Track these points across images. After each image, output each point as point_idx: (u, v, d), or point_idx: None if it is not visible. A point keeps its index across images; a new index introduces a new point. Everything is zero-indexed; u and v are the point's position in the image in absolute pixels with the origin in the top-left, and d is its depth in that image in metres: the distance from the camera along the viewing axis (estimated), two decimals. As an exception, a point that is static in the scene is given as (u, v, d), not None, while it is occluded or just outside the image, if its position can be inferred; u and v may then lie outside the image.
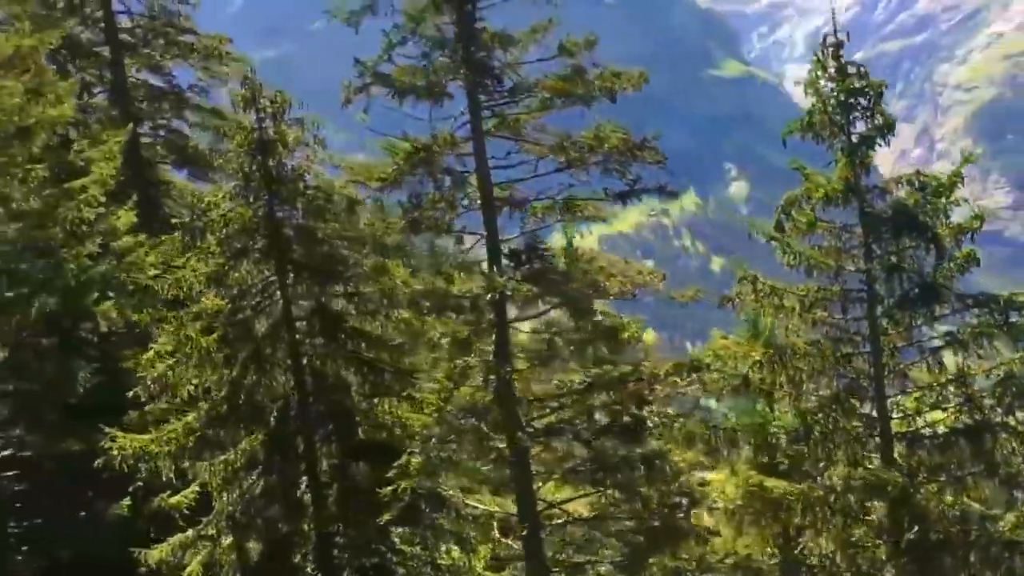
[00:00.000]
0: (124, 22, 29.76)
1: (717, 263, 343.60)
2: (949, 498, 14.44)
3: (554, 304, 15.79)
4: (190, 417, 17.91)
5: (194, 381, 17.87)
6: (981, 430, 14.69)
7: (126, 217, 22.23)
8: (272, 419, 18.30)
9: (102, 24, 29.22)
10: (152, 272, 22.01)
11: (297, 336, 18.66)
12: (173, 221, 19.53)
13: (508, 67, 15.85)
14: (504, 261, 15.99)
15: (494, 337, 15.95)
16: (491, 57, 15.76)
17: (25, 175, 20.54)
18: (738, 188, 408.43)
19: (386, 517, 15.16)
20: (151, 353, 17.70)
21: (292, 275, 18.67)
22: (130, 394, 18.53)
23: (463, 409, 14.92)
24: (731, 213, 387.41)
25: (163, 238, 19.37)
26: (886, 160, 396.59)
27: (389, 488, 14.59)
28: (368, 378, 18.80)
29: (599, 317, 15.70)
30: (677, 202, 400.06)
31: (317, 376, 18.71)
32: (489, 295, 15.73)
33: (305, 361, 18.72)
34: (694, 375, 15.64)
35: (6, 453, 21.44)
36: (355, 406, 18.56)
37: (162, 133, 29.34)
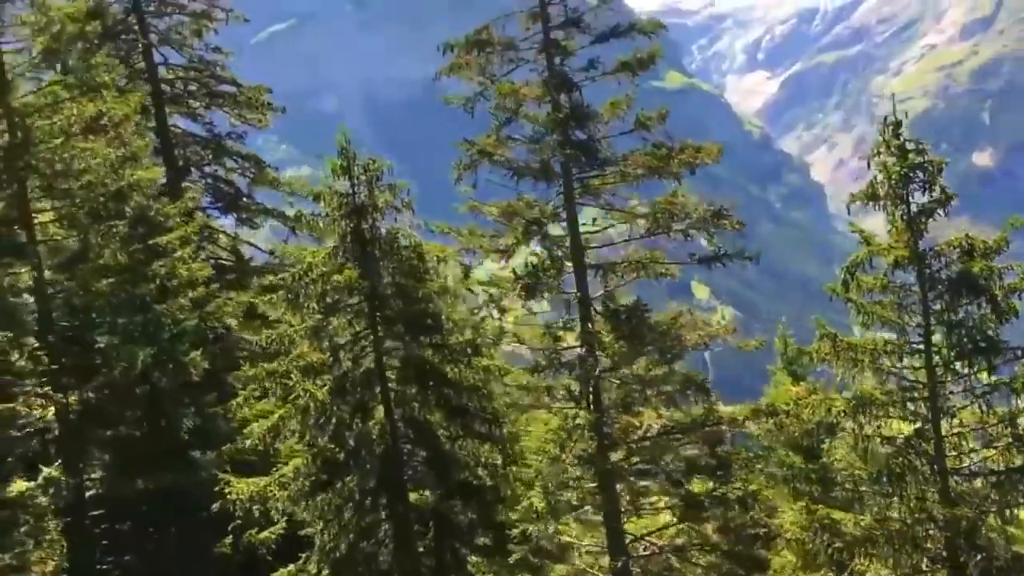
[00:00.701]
0: (164, 72, 31.01)
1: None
2: (1013, 530, 16.48)
3: (646, 355, 17.55)
4: (299, 461, 19.38)
5: (297, 428, 19.36)
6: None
7: (204, 270, 23.62)
8: (372, 462, 19.82)
9: (144, 75, 30.44)
10: (230, 321, 23.51)
11: (390, 385, 20.20)
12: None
13: (599, 142, 17.60)
14: (600, 317, 17.74)
15: (591, 387, 17.67)
16: (590, 136, 17.52)
17: (117, 233, 21.90)
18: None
19: (517, 556, 16.75)
20: (263, 404, 19.15)
21: (384, 329, 20.19)
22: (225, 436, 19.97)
23: (577, 457, 16.58)
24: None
25: (269, 296, 20.76)
26: (824, 168, 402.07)
27: (518, 531, 16.20)
28: (456, 422, 20.40)
29: (687, 369, 17.51)
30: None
31: (411, 422, 20.26)
32: (586, 348, 17.47)
33: (398, 408, 20.27)
34: (770, 420, 17.48)
35: (92, 492, 22.73)
36: (447, 449, 20.14)
37: (208, 180, 30.63)
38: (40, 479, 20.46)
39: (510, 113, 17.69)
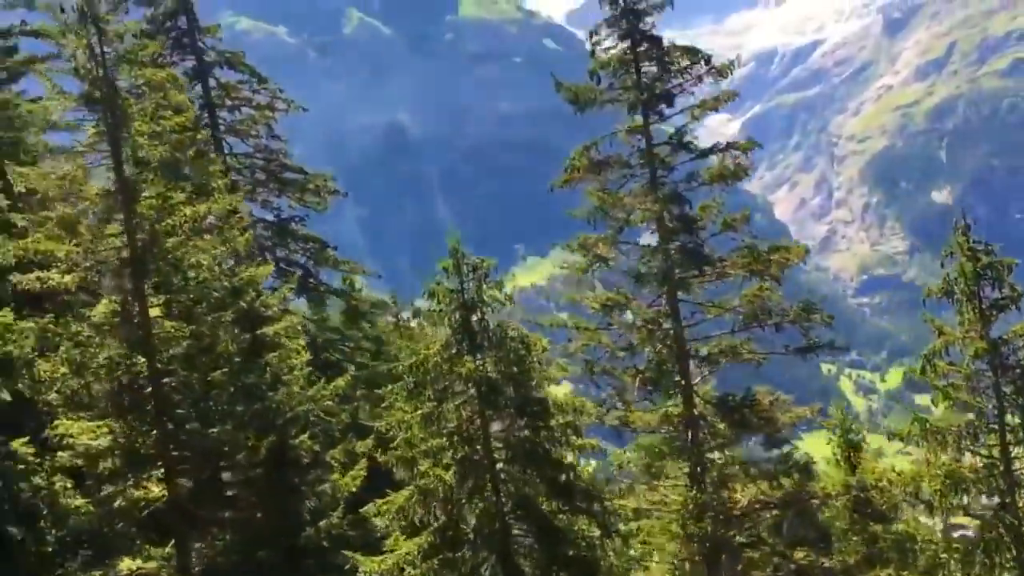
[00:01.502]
0: (233, 162, 32.80)
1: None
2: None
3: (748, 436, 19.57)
4: (422, 540, 21.09)
5: (421, 510, 21.09)
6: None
7: (303, 356, 25.35)
8: (488, 537, 21.55)
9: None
10: (327, 404, 25.29)
11: (498, 465, 21.98)
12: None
13: (703, 245, 19.72)
14: (706, 403, 19.75)
15: (697, 469, 19.63)
16: (696, 242, 19.64)
17: (226, 324, 23.61)
18: (647, 240, 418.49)
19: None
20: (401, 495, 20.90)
21: (493, 414, 21.98)
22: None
23: (692, 534, 18.47)
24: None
25: (388, 388, 22.49)
26: (787, 207, 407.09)
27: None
28: (560, 498, 22.19)
29: (789, 449, 19.51)
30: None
31: (519, 498, 22.03)
32: (691, 433, 19.45)
33: (506, 485, 22.04)
34: (862, 494, 19.48)
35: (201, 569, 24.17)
36: (553, 524, 21.92)
37: (278, 264, 32.33)
38: (153, 557, 22.04)
39: (622, 222, 19.75)
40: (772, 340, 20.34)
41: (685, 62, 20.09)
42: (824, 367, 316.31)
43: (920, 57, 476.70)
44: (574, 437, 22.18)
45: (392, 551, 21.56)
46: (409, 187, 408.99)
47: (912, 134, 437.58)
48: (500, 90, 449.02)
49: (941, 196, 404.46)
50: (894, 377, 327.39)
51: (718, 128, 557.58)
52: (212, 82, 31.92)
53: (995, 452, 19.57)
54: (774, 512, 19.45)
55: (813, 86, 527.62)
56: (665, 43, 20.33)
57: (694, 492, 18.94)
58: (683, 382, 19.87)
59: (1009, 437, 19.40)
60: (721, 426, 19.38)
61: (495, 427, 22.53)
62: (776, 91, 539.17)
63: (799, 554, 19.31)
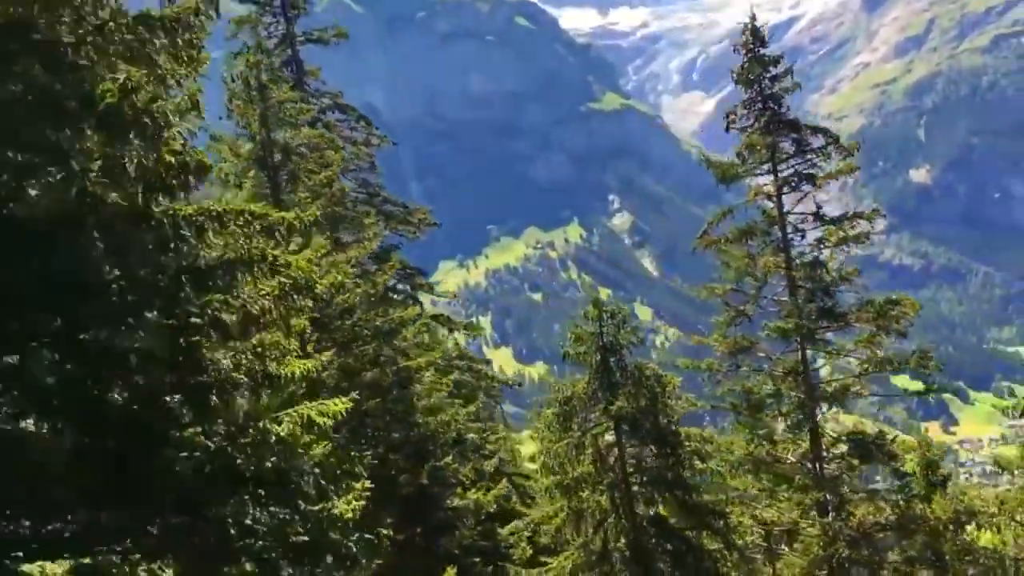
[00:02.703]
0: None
1: (604, 295, 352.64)
2: None
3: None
4: (574, 555, 24.42)
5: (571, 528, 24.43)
6: None
7: (447, 386, 28.62)
8: (624, 555, 24.92)
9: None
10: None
11: (633, 488, 25.32)
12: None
13: (836, 302, 23.13)
14: (836, 441, 23.14)
15: (827, 496, 23.04)
16: (831, 303, 23.03)
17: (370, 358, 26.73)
18: (621, 220, 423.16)
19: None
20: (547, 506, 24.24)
21: (628, 442, 25.32)
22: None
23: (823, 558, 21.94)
24: (615, 244, 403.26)
25: (537, 425, 25.77)
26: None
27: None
28: (691, 517, 25.59)
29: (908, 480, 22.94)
30: (562, 234, 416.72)
31: (653, 518, 25.41)
32: (820, 467, 22.87)
33: (645, 506, 25.40)
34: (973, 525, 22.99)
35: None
36: (692, 542, 25.31)
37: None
38: None
39: (762, 282, 23.08)
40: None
41: (818, 143, 23.39)
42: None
43: (899, 34, 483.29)
44: (699, 462, 25.53)
45: (546, 564, 24.90)
46: (382, 168, 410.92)
47: (890, 112, 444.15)
48: (472, 70, 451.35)
49: (919, 175, 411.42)
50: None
51: (691, 107, 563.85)
52: (318, 124, 34.76)
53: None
54: (889, 533, 22.88)
55: (789, 63, 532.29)
56: (800, 122, 23.64)
57: (829, 519, 22.36)
58: (812, 422, 23.21)
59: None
60: (852, 461, 22.75)
61: (631, 451, 25.90)
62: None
63: (922, 573, 22.77)
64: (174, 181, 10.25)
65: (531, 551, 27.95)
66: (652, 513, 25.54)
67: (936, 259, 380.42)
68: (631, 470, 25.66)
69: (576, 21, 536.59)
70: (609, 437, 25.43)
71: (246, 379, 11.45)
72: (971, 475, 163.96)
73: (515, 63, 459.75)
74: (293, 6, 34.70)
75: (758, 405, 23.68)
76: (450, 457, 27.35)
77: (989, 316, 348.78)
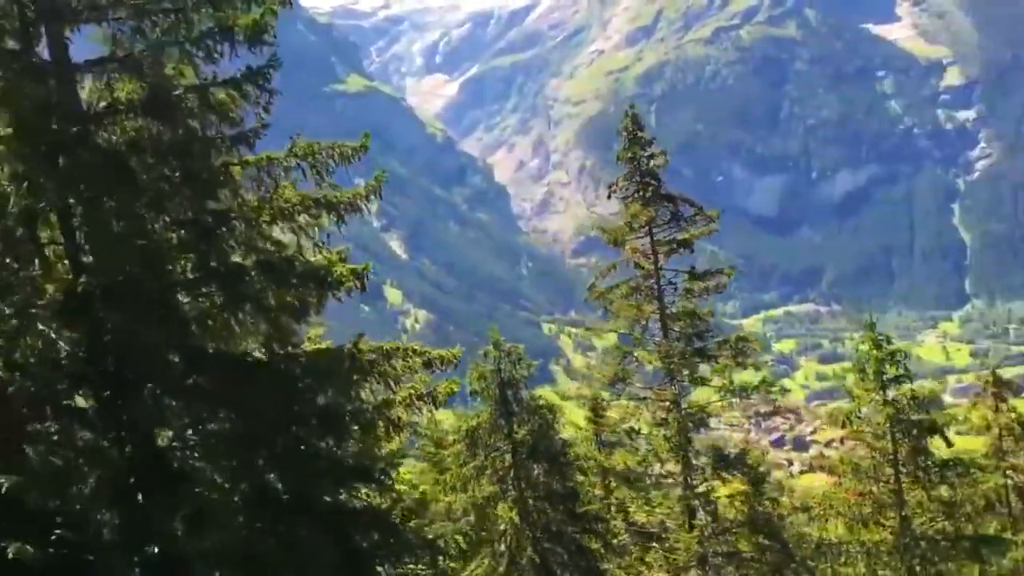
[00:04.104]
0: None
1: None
2: None
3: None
4: (484, 563, 28.59)
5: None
6: None
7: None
8: (533, 560, 29.34)
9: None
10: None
11: (530, 502, 29.74)
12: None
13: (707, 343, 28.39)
14: (702, 455, 28.49)
15: (693, 503, 28.35)
16: (707, 346, 28.23)
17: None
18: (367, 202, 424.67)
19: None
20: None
21: (525, 462, 29.69)
22: None
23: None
24: (363, 227, 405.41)
25: (446, 451, 29.63)
26: (506, 169, 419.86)
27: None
28: (584, 525, 30.28)
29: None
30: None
31: (548, 530, 29.94)
32: (687, 478, 28.20)
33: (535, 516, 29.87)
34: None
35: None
36: (580, 545, 29.98)
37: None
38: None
39: (644, 327, 28.02)
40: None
41: (691, 212, 28.40)
42: (546, 327, 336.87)
43: (630, 23, 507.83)
44: (581, 476, 30.30)
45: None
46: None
47: (624, 99, 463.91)
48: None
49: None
50: (609, 336, 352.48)
51: (435, 89, 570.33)
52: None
53: (892, 481, 29.40)
54: (744, 528, 28.37)
55: (529, 49, 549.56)
56: (675, 195, 28.61)
57: (694, 532, 27.65)
58: (684, 439, 28.40)
59: (901, 470, 29.26)
60: (714, 474, 28.09)
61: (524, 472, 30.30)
62: (493, 53, 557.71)
63: (773, 558, 28.36)
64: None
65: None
66: (548, 523, 30.05)
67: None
68: (525, 486, 30.06)
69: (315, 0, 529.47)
70: (508, 459, 29.71)
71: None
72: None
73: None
74: None
75: (632, 432, 28.68)
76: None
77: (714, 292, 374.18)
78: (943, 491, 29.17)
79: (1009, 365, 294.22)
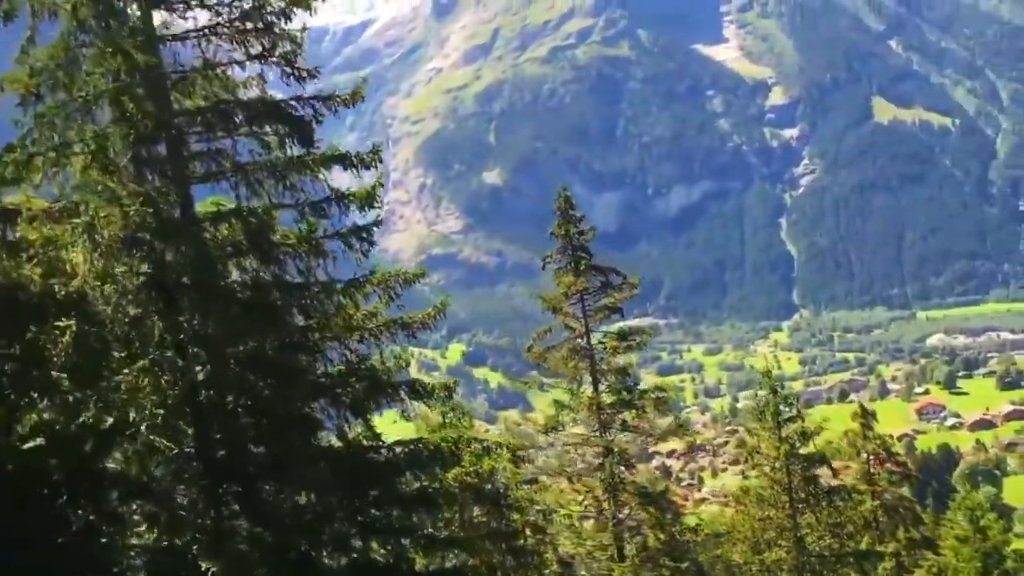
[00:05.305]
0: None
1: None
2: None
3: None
4: None
5: None
6: None
7: None
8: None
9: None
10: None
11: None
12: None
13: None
14: (631, 495, 32.84)
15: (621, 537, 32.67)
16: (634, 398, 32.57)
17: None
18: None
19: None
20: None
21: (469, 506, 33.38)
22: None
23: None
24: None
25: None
26: (344, 187, 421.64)
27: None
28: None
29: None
30: None
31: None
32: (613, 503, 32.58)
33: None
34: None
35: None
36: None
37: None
38: None
39: (578, 381, 32.23)
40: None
41: (618, 280, 32.67)
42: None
43: (467, 42, 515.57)
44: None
45: None
46: None
47: (463, 117, 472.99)
48: None
49: (492, 176, 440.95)
50: (454, 353, 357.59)
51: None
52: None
53: (787, 507, 34.39)
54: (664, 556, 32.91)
55: (365, 66, 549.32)
56: (604, 267, 32.86)
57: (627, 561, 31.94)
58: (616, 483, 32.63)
59: (795, 496, 34.28)
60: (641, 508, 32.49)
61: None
62: (329, 70, 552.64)
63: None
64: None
65: None
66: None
67: (509, 256, 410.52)
68: (468, 527, 33.76)
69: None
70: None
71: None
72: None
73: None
74: None
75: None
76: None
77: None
78: (828, 514, 34.43)
79: (834, 372, 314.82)
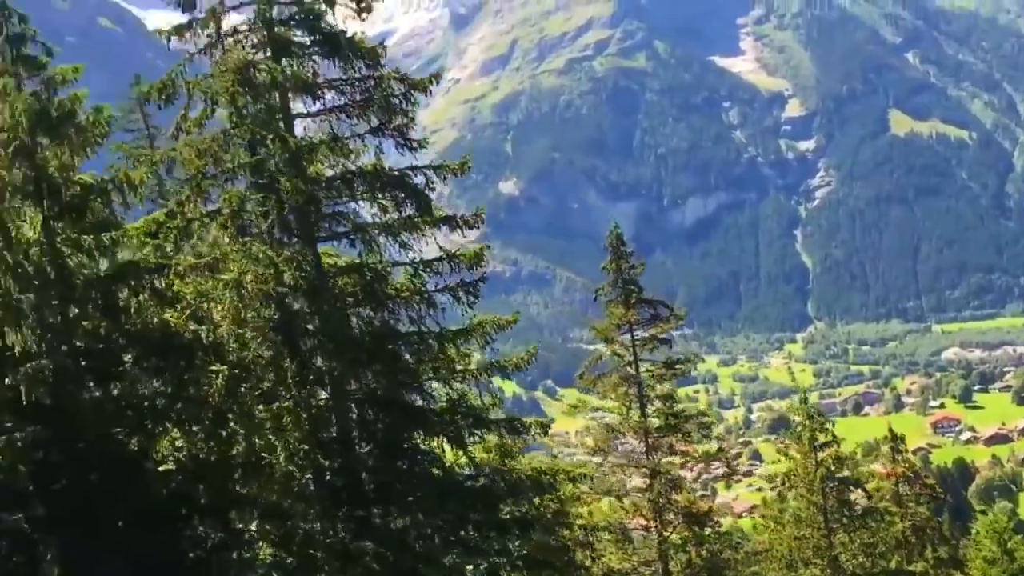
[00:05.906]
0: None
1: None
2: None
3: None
4: None
5: None
6: None
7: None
8: None
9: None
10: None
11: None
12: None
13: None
14: (675, 514, 34.91)
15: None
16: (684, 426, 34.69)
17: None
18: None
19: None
20: None
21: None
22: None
23: None
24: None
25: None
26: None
27: None
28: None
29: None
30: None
31: None
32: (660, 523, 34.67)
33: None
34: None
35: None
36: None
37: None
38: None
39: (627, 407, 34.31)
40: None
41: (666, 313, 34.82)
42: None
43: (485, 53, 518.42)
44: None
45: None
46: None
47: (480, 127, 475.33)
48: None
49: (508, 187, 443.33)
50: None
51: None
52: None
53: (822, 527, 36.42)
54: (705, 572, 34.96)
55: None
56: (653, 300, 34.95)
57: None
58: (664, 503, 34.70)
59: (830, 517, 36.33)
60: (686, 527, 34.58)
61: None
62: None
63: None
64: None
65: None
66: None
67: (525, 266, 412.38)
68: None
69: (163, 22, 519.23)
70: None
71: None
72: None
73: (101, 67, 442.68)
74: None
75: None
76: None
77: (572, 318, 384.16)
78: (863, 534, 36.47)
79: (849, 384, 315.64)
